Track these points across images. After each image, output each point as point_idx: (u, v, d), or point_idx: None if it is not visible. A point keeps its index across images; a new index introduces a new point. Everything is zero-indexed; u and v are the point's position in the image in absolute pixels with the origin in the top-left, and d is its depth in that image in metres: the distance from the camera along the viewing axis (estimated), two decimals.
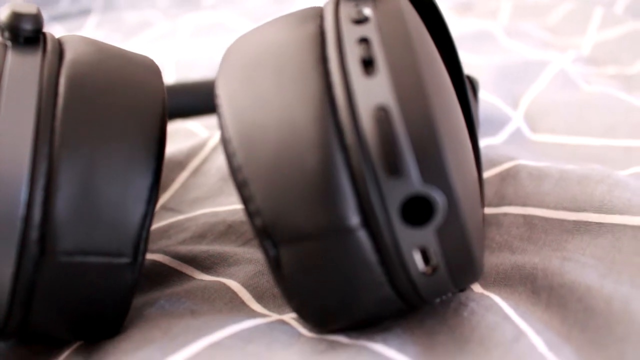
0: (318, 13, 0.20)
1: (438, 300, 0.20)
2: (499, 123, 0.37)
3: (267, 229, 0.17)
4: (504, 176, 0.29)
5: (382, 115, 0.16)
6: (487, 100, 0.39)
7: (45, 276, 0.19)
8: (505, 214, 0.27)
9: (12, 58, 0.20)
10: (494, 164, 0.31)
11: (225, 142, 0.18)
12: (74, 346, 0.22)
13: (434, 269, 0.18)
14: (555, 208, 0.26)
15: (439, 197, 0.16)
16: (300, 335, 0.21)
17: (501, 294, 0.23)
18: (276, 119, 0.17)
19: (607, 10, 0.55)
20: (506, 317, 0.20)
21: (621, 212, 0.24)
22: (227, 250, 0.27)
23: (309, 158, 0.17)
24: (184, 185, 0.33)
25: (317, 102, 0.17)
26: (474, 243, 0.17)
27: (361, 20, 0.18)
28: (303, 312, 0.19)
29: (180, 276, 0.26)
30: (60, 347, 0.23)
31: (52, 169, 0.19)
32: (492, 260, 0.25)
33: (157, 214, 0.32)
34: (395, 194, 0.16)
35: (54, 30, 0.74)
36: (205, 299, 0.23)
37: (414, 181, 0.16)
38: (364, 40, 0.18)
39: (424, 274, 0.18)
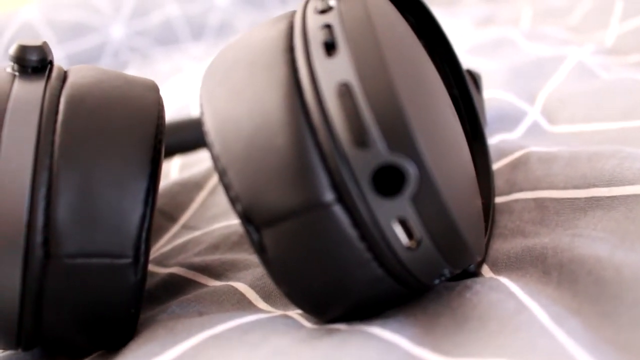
0: (293, 13, 0.21)
1: (437, 281, 0.20)
2: (515, 119, 0.37)
3: (247, 213, 0.18)
4: (515, 164, 0.29)
5: (345, 91, 0.17)
6: (501, 98, 0.38)
7: (52, 278, 0.20)
8: (516, 200, 0.27)
9: (18, 85, 0.22)
10: (505, 154, 0.30)
11: (205, 134, 0.19)
12: (93, 355, 0.23)
13: (419, 243, 0.17)
14: (565, 188, 0.25)
15: (409, 165, 0.16)
16: (301, 326, 0.20)
17: (511, 277, 0.22)
18: (248, 108, 0.18)
19: (628, 1, 0.54)
20: (510, 294, 0.20)
21: (632, 182, 0.23)
22: (238, 258, 0.27)
23: (279, 141, 0.17)
24: (203, 204, 0.34)
25: (284, 87, 0.17)
26: (454, 213, 0.17)
27: (325, 10, 0.19)
28: (295, 296, 0.19)
29: (193, 284, 0.26)
30: (81, 357, 0.23)
31: (52, 177, 0.20)
32: (505, 246, 0.24)
33: (178, 233, 0.33)
34: (364, 166, 0.16)
35: None
36: (214, 302, 0.24)
37: (381, 151, 0.16)
38: (327, 27, 0.18)
39: (409, 248, 0.17)
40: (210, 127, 0.18)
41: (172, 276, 0.27)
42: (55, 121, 0.21)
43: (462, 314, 0.19)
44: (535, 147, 0.29)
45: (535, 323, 0.18)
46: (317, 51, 0.18)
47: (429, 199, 0.17)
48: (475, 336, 0.18)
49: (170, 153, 0.42)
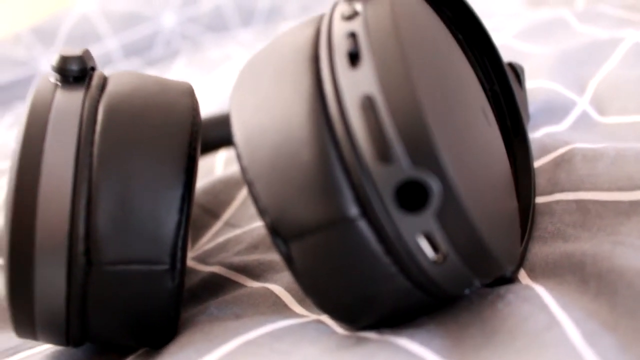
0: (321, 17, 0.21)
1: (467, 291, 0.19)
2: (563, 109, 0.35)
3: (274, 226, 0.18)
4: (558, 162, 0.28)
5: (368, 104, 0.16)
6: (548, 87, 0.37)
7: (94, 284, 0.21)
8: (558, 202, 0.26)
9: (59, 95, 0.22)
10: (548, 150, 0.29)
11: (234, 146, 0.19)
12: (138, 352, 0.24)
13: (445, 257, 0.17)
14: (609, 189, 0.24)
15: (432, 181, 0.16)
16: (333, 332, 0.21)
17: (548, 285, 0.22)
18: (274, 120, 0.18)
19: None
20: (543, 307, 0.19)
21: None
22: (275, 259, 0.27)
23: (304, 155, 0.17)
24: (244, 202, 0.35)
25: (309, 100, 0.17)
26: (480, 226, 0.17)
27: (351, 16, 0.19)
28: (325, 307, 0.19)
29: (232, 285, 0.27)
30: (127, 354, 0.25)
31: (91, 189, 0.21)
32: (544, 250, 0.24)
33: (220, 230, 0.33)
34: (388, 181, 0.16)
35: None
36: (250, 304, 0.24)
37: (405, 166, 0.16)
38: (352, 35, 0.18)
39: (435, 262, 0.17)
40: (239, 139, 0.19)
41: (213, 275, 0.28)
42: (93, 132, 0.21)
43: (492, 327, 0.19)
44: (580, 144, 0.28)
45: (565, 341, 0.17)
46: (341, 61, 0.17)
47: (453, 214, 0.16)
48: (502, 352, 0.18)
49: (215, 147, 0.43)
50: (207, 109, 0.54)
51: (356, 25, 0.18)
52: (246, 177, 0.18)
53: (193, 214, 0.34)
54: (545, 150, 0.29)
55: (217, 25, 0.93)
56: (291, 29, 0.21)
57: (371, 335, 0.20)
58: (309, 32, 0.19)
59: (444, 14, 0.27)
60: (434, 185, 0.16)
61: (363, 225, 0.17)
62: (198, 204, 0.35)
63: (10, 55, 0.81)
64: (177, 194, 0.21)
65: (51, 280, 0.21)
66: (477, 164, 0.18)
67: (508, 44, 0.49)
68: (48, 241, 0.20)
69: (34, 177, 0.20)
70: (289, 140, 0.17)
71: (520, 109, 0.28)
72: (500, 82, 0.28)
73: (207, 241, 0.33)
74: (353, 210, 0.17)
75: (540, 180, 0.28)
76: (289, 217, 0.17)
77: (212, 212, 0.34)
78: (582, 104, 0.36)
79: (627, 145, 0.26)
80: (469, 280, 0.18)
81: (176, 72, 0.79)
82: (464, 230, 0.17)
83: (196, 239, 0.33)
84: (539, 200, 0.27)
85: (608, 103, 0.35)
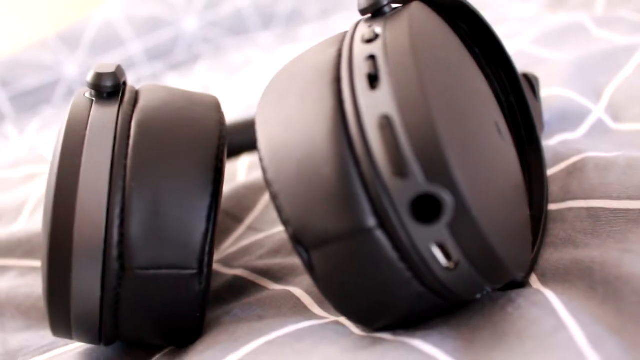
0: (343, 36, 0.22)
1: (478, 295, 0.20)
2: (578, 117, 0.36)
3: (297, 235, 0.19)
4: (571, 170, 0.29)
5: (386, 124, 0.18)
6: (563, 95, 0.38)
7: (126, 287, 0.22)
8: (569, 209, 0.27)
9: (94, 111, 0.24)
10: (561, 158, 0.30)
11: (260, 160, 0.20)
12: (165, 351, 0.26)
13: (457, 264, 0.18)
14: (619, 198, 0.25)
15: (445, 195, 0.17)
16: (351, 333, 0.22)
17: (557, 290, 0.23)
18: (298, 138, 0.19)
19: None
20: (552, 312, 0.20)
21: None
22: (296, 263, 0.29)
23: (326, 170, 0.18)
24: (266, 207, 0.36)
25: (330, 119, 0.19)
26: (490, 237, 0.18)
27: (371, 39, 0.20)
28: (343, 310, 0.20)
29: (256, 287, 0.28)
30: (154, 352, 0.26)
31: (125, 198, 0.22)
32: (555, 256, 0.25)
33: (243, 234, 0.35)
34: (403, 195, 0.17)
35: (169, 78, 0.83)
36: (273, 306, 0.26)
37: (419, 181, 0.17)
38: (371, 57, 0.19)
39: (447, 268, 0.18)
40: (265, 154, 0.20)
41: (237, 279, 0.29)
42: (127, 145, 0.23)
43: (502, 330, 0.20)
44: (593, 152, 0.29)
45: (571, 344, 0.18)
46: (362, 84, 0.19)
47: (465, 225, 0.18)
48: (510, 354, 0.19)
49: (238, 152, 0.44)
50: (230, 114, 0.56)
51: (376, 48, 0.19)
52: (271, 190, 0.20)
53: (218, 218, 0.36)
54: (559, 159, 0.30)
55: (238, 28, 0.94)
56: (315, 48, 0.22)
57: (386, 336, 0.21)
58: (332, 53, 0.21)
59: (460, 28, 0.28)
60: (447, 198, 0.17)
61: (380, 235, 0.18)
62: (222, 208, 0.36)
63: (37, 60, 0.83)
64: (205, 203, 0.23)
65: (87, 284, 0.22)
66: (489, 177, 0.19)
67: (525, 50, 0.50)
68: (84, 247, 0.22)
69: (72, 187, 0.22)
70: (312, 156, 0.19)
71: (534, 119, 0.29)
72: (515, 94, 0.29)
73: (231, 245, 0.34)
74: (371, 222, 0.18)
75: (553, 188, 0.28)
76: (310, 228, 0.19)
77: (236, 217, 0.36)
78: (598, 111, 0.36)
79: (639, 154, 0.27)
80: (480, 286, 0.20)
81: (198, 76, 0.81)
82: (475, 240, 0.18)
83: (220, 242, 0.35)
84: (552, 207, 0.28)
85: (623, 110, 0.36)
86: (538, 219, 0.26)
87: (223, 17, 0.94)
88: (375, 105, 0.18)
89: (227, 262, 0.32)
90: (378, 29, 0.20)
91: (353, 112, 0.18)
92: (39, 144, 0.62)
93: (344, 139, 0.18)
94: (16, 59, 0.84)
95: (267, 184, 0.20)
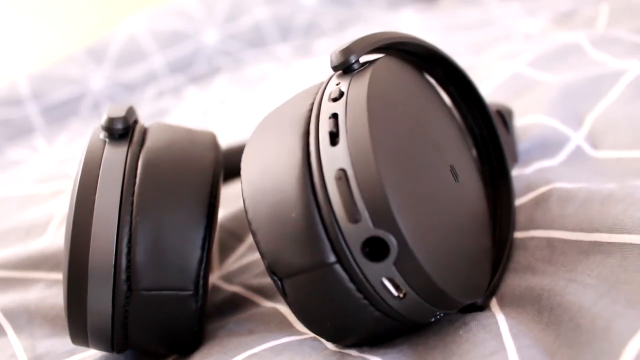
0: (319, 87, 0.25)
1: (432, 319, 0.23)
2: (557, 144, 0.38)
3: (271, 267, 0.22)
4: (538, 200, 0.31)
5: (342, 176, 0.21)
6: (544, 123, 0.40)
7: (133, 306, 0.26)
8: (532, 238, 0.29)
9: (107, 151, 0.28)
10: (531, 188, 0.32)
11: (243, 200, 0.24)
12: (170, 358, 0.29)
13: (405, 294, 0.21)
14: (574, 230, 0.28)
15: (390, 238, 0.20)
16: (324, 348, 0.25)
17: (510, 314, 0.25)
18: (272, 184, 0.23)
19: None
20: (496, 335, 0.23)
21: (630, 232, 0.25)
22: None
23: (293, 213, 0.22)
24: None
25: (298, 169, 0.22)
26: (431, 271, 0.21)
27: (336, 98, 0.23)
28: (314, 330, 0.24)
29: (249, 303, 0.32)
30: (161, 359, 0.30)
31: (132, 230, 0.26)
32: (515, 281, 0.27)
33: (244, 253, 0.38)
34: (356, 237, 0.21)
35: (189, 92, 0.86)
36: (262, 321, 0.29)
37: (369, 226, 0.20)
38: (334, 116, 0.22)
39: (398, 297, 0.22)
40: (246, 196, 0.23)
41: (234, 295, 0.33)
42: (134, 184, 0.27)
43: (451, 350, 0.23)
44: (560, 183, 0.31)
45: None
46: (324, 140, 0.22)
47: (408, 263, 0.21)
48: None
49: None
50: (243, 130, 0.59)
51: (338, 107, 0.22)
52: (250, 228, 0.23)
53: (222, 237, 0.39)
54: (530, 188, 0.33)
55: (256, 41, 0.97)
56: (295, 98, 0.25)
57: (353, 352, 0.24)
58: (306, 107, 0.24)
59: (436, 72, 0.31)
60: (392, 241, 0.20)
61: (339, 269, 0.21)
62: (226, 228, 0.40)
63: (65, 74, 0.88)
64: (200, 235, 0.26)
65: (100, 302, 0.26)
66: (434, 218, 0.22)
67: (522, 72, 0.52)
68: (98, 271, 0.26)
69: (87, 220, 0.26)
70: (283, 201, 0.22)
71: (504, 153, 0.32)
72: (487, 128, 0.32)
73: (233, 262, 0.37)
74: (331, 258, 0.21)
75: (520, 217, 0.31)
76: (281, 262, 0.22)
77: (238, 236, 0.39)
78: (577, 138, 0.38)
79: (600, 187, 0.30)
80: (431, 311, 0.23)
81: (216, 89, 0.85)
82: (418, 274, 0.21)
83: (224, 259, 0.38)
84: (517, 235, 0.30)
85: (602, 138, 0.38)
86: (504, 246, 0.29)
87: (242, 30, 0.97)
88: (334, 160, 0.21)
89: (228, 278, 0.35)
90: (344, 87, 0.23)
91: (316, 165, 0.22)
92: (66, 158, 0.66)
93: (309, 187, 0.22)
94: (46, 73, 0.88)
95: (248, 222, 0.23)
